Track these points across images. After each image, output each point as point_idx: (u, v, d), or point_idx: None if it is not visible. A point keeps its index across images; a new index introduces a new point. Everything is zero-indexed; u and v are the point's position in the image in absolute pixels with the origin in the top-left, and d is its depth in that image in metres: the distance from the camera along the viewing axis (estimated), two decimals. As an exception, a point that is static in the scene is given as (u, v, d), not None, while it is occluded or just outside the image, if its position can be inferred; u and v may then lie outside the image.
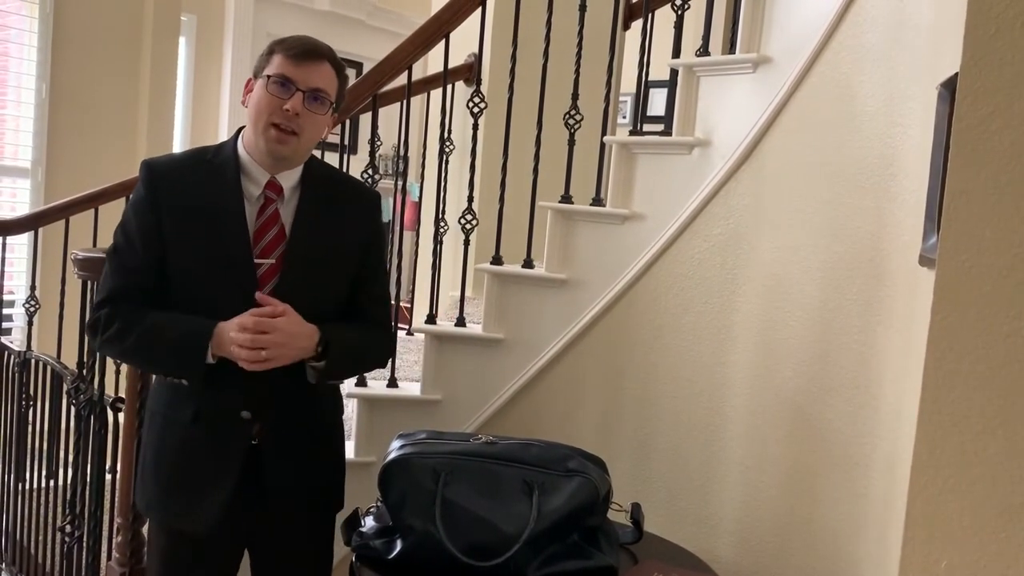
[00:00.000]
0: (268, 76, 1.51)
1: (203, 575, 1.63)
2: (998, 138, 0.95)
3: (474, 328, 2.33)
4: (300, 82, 1.51)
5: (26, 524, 2.79)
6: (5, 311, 4.11)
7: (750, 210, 1.97)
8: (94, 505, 2.33)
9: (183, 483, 1.57)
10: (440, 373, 2.32)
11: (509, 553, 1.50)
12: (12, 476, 2.89)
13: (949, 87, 1.06)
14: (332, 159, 2.10)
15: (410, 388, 2.38)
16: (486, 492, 1.54)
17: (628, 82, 2.58)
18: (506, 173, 2.35)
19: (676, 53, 2.27)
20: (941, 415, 0.98)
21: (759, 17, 2.03)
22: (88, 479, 2.35)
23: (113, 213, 3.20)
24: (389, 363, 2.30)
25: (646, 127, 2.29)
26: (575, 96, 2.32)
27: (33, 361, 2.75)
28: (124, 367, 1.98)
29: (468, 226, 2.39)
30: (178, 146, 4.85)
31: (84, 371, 2.40)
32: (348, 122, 2.53)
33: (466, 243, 2.40)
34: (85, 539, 2.36)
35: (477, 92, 2.37)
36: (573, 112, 2.30)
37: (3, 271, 3.14)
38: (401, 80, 2.44)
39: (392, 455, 1.59)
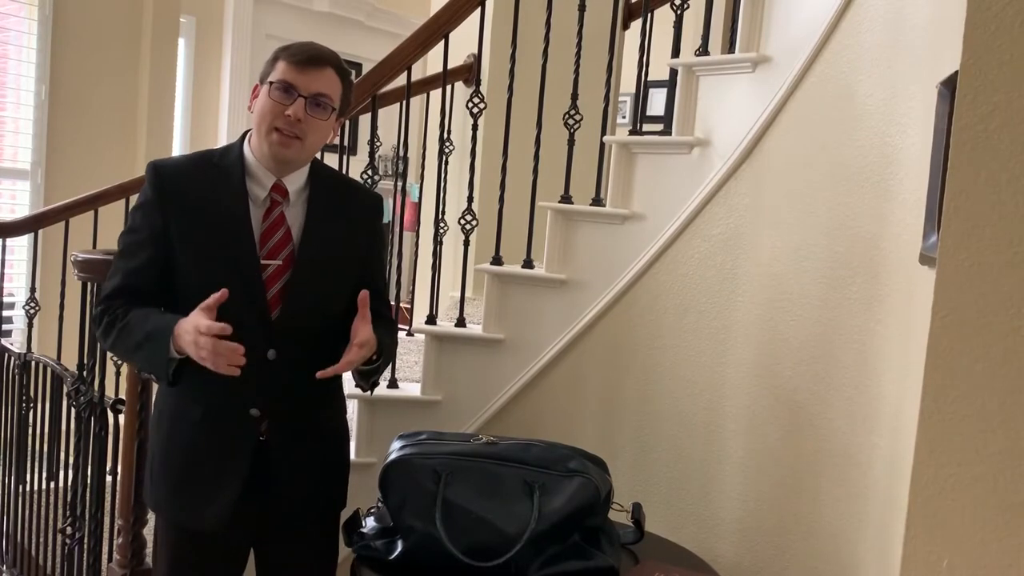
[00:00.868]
0: (271, 82, 1.53)
1: (210, 573, 1.64)
2: (998, 137, 0.95)
3: (474, 328, 2.33)
4: (302, 88, 1.52)
5: (27, 526, 2.78)
6: (5, 313, 4.11)
7: (750, 210, 1.97)
8: (95, 507, 2.32)
9: (192, 481, 1.59)
10: (440, 374, 2.32)
11: (510, 554, 1.50)
12: (13, 478, 2.89)
13: (949, 86, 1.06)
14: (331, 160, 2.10)
15: (410, 389, 2.38)
16: (487, 493, 1.54)
17: (628, 82, 2.58)
18: (506, 173, 2.35)
19: (675, 53, 2.27)
20: (942, 414, 0.98)
21: (758, 16, 2.03)
22: (89, 481, 2.35)
23: (113, 215, 3.22)
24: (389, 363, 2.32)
25: (646, 127, 2.29)
26: (575, 96, 2.32)
27: (33, 363, 2.75)
28: (124, 368, 1.99)
29: (468, 226, 2.39)
30: (177, 148, 4.85)
31: (84, 373, 2.40)
32: (348, 123, 2.52)
33: (466, 243, 2.40)
34: (86, 541, 2.36)
35: (476, 92, 2.37)
36: (573, 112, 2.30)
37: (3, 273, 3.14)
38: (400, 81, 2.44)
39: (393, 456, 1.59)
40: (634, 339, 2.17)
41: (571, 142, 2.30)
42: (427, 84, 3.10)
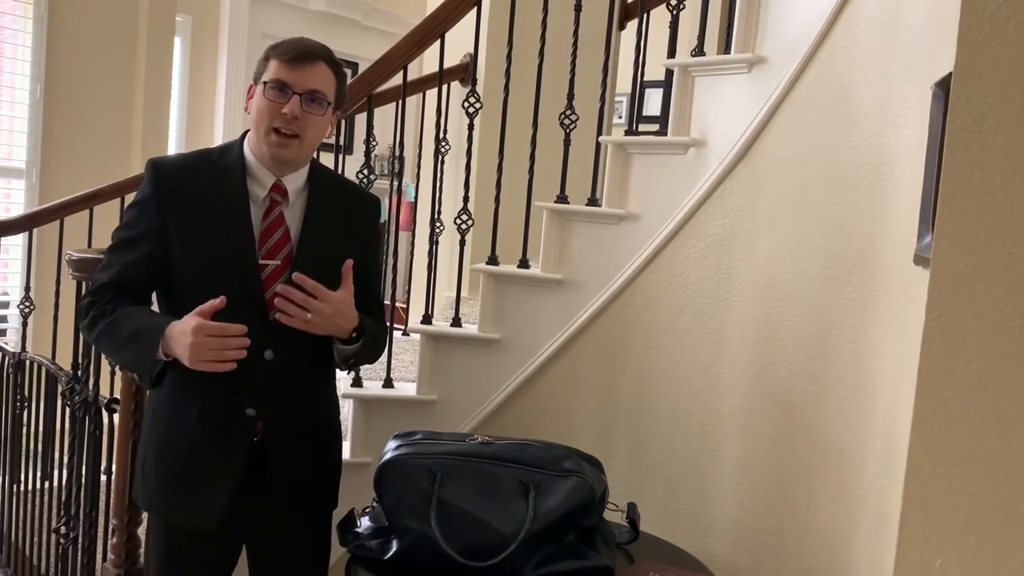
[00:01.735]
0: (265, 82, 1.53)
1: (202, 572, 1.64)
2: (992, 138, 0.95)
3: (470, 328, 2.33)
4: (296, 85, 1.52)
5: (21, 526, 2.78)
6: (0, 312, 4.10)
7: (745, 210, 1.97)
8: (89, 506, 2.32)
9: (186, 479, 1.58)
10: (436, 373, 2.32)
11: (505, 553, 1.50)
12: (7, 477, 2.88)
13: (943, 87, 1.06)
14: (327, 159, 2.09)
15: (406, 388, 2.37)
16: (482, 492, 1.54)
17: (624, 82, 2.58)
18: (502, 173, 2.35)
19: (671, 53, 2.27)
20: (936, 414, 0.98)
21: (754, 17, 2.03)
22: (83, 480, 2.35)
23: (108, 214, 3.21)
24: (385, 363, 2.33)
25: (642, 127, 2.29)
26: (570, 96, 2.32)
27: (28, 362, 2.74)
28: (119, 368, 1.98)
29: (464, 226, 2.39)
30: (173, 147, 4.85)
31: (79, 372, 2.39)
32: (343, 122, 2.52)
33: (462, 243, 2.40)
34: (80, 540, 2.35)
35: (472, 92, 2.37)
36: (569, 112, 2.30)
37: (-2, 272, 3.13)
38: (396, 80, 2.44)
39: (388, 455, 1.59)
40: (630, 339, 2.17)
41: (567, 142, 2.30)
42: (423, 84, 3.10)
